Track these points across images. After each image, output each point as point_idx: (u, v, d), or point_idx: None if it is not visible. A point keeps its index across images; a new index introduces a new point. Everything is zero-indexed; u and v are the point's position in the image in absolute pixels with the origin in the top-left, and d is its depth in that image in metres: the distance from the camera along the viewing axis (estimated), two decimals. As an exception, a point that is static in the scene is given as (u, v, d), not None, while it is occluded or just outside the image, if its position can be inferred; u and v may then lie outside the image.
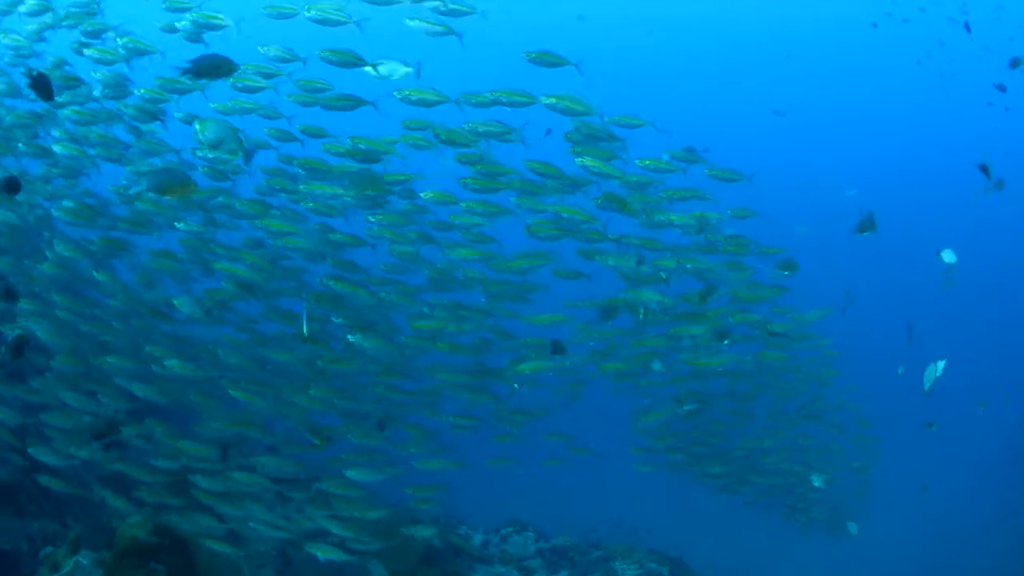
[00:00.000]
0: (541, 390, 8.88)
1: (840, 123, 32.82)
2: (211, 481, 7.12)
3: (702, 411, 9.75)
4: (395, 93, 6.55)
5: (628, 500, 15.86)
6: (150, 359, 7.37)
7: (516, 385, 8.31)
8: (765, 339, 8.95)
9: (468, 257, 7.74)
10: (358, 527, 7.53)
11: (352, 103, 6.89)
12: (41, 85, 6.34)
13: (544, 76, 6.86)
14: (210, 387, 7.68)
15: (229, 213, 7.75)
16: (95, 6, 7.11)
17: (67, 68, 7.23)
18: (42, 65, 7.24)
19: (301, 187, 7.43)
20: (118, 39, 6.94)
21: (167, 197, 6.91)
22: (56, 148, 7.40)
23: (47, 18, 7.16)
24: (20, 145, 7.43)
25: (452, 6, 6.50)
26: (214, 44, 6.58)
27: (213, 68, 5.94)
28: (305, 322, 5.86)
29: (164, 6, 6.73)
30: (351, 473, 7.43)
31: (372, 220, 7.57)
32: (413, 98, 6.64)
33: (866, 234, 7.82)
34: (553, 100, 6.68)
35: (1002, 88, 14.81)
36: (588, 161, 6.74)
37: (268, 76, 6.79)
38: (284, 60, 6.76)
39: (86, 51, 7.01)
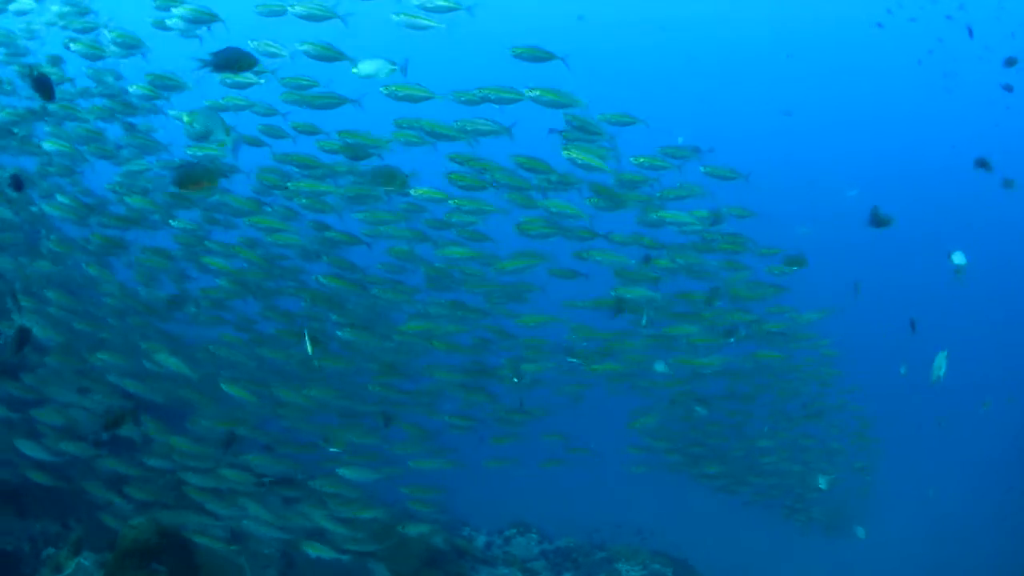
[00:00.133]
0: (542, 389, 8.85)
1: (841, 123, 32.80)
2: (204, 478, 7.10)
3: (701, 411, 9.71)
4: (382, 89, 6.51)
5: (630, 501, 15.83)
6: (144, 356, 7.35)
7: (515, 379, 8.28)
8: (763, 338, 8.92)
9: (463, 256, 7.70)
10: (353, 527, 7.50)
11: (335, 101, 6.87)
12: (42, 85, 6.36)
13: (544, 77, 6.83)
14: (206, 385, 7.66)
15: (225, 211, 7.74)
16: (87, 4, 7.12)
17: (62, 66, 7.23)
18: (33, 61, 7.25)
19: (290, 185, 7.40)
20: (108, 34, 6.92)
21: (192, 191, 6.87)
22: (46, 145, 7.38)
23: (40, 16, 7.16)
24: (14, 143, 7.42)
25: (439, 2, 6.48)
26: (202, 39, 6.57)
27: (233, 62, 5.95)
28: (308, 342, 5.81)
29: (154, 4, 6.71)
30: (345, 472, 7.39)
31: (360, 218, 7.54)
32: (400, 94, 6.60)
33: (882, 228, 7.70)
34: (537, 92, 6.64)
35: (1009, 88, 14.77)
36: (574, 153, 6.69)
37: (258, 72, 6.77)
38: (272, 55, 6.72)
39: (73, 46, 6.98)
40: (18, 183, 7.14)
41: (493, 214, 7.39)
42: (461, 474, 8.29)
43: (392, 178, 6.97)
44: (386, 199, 7.51)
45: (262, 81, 6.73)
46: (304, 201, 7.47)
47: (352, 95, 6.83)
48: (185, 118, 5.85)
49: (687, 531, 14.14)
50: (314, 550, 7.10)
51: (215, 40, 6.84)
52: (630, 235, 7.67)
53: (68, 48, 7.08)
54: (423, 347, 8.27)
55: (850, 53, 29.01)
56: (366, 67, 6.30)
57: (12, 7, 7.10)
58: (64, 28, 7.11)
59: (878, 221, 7.64)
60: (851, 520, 14.01)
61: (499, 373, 8.36)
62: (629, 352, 8.53)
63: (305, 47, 6.50)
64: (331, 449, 7.38)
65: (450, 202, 7.25)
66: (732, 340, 8.42)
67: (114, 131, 7.65)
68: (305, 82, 6.86)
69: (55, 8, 7.11)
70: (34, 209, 8.15)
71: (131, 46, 6.92)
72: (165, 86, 6.93)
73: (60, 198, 7.56)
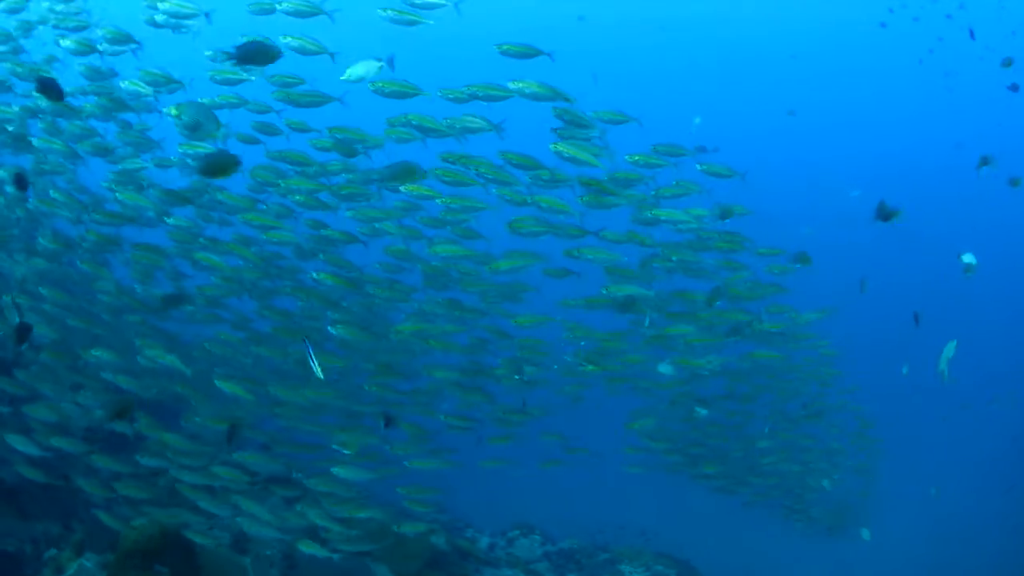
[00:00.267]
0: (541, 389, 8.83)
1: (843, 123, 32.75)
2: (197, 476, 7.09)
3: (703, 412, 9.68)
4: (369, 85, 6.48)
5: (634, 502, 15.80)
6: (138, 352, 7.34)
7: (516, 376, 8.26)
8: (761, 338, 8.89)
9: (455, 254, 7.67)
10: (349, 526, 7.48)
11: (320, 99, 6.85)
12: (49, 87, 6.39)
13: (544, 77, 6.80)
14: (200, 382, 7.65)
15: (220, 209, 7.74)
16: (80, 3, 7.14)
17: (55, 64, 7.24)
18: (30, 60, 7.26)
19: (282, 182, 7.39)
20: (98, 31, 6.93)
21: (219, 178, 6.87)
22: (37, 143, 7.38)
23: (31, 15, 7.17)
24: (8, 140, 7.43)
25: None
26: (189, 34, 6.58)
27: (257, 54, 5.97)
28: (315, 364, 5.79)
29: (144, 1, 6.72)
30: (340, 471, 7.37)
31: (350, 215, 7.52)
32: (387, 91, 6.58)
33: (890, 220, 7.65)
34: (521, 85, 6.61)
35: (1015, 88, 14.73)
36: (561, 147, 6.65)
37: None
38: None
39: (63, 42, 6.99)
40: (21, 181, 7.14)
41: (488, 213, 7.36)
42: (462, 475, 8.27)
43: (410, 173, 6.92)
44: (378, 196, 7.49)
45: (252, 78, 6.72)
46: (299, 198, 7.46)
47: (337, 92, 6.82)
48: (173, 111, 5.85)
49: (690, 532, 14.11)
50: (307, 547, 7.09)
51: (213, 39, 6.87)
52: (624, 233, 7.64)
53: (59, 45, 7.10)
54: (420, 347, 8.25)
55: (852, 53, 28.98)
56: (356, 70, 6.28)
57: (4, 5, 7.10)
58: (56, 27, 7.12)
59: (885, 214, 7.61)
60: (853, 521, 13.97)
61: (496, 373, 8.33)
62: (629, 352, 8.50)
63: (287, 40, 6.48)
64: (345, 451, 7.34)
65: (437, 201, 7.21)
66: (736, 339, 8.39)
67: (110, 129, 7.66)
68: (292, 80, 6.85)
69: (45, 4, 7.12)
70: (30, 206, 8.15)
71: (123, 42, 6.92)
72: (157, 83, 6.91)
73: (54, 195, 7.57)
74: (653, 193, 7.44)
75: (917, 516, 16.20)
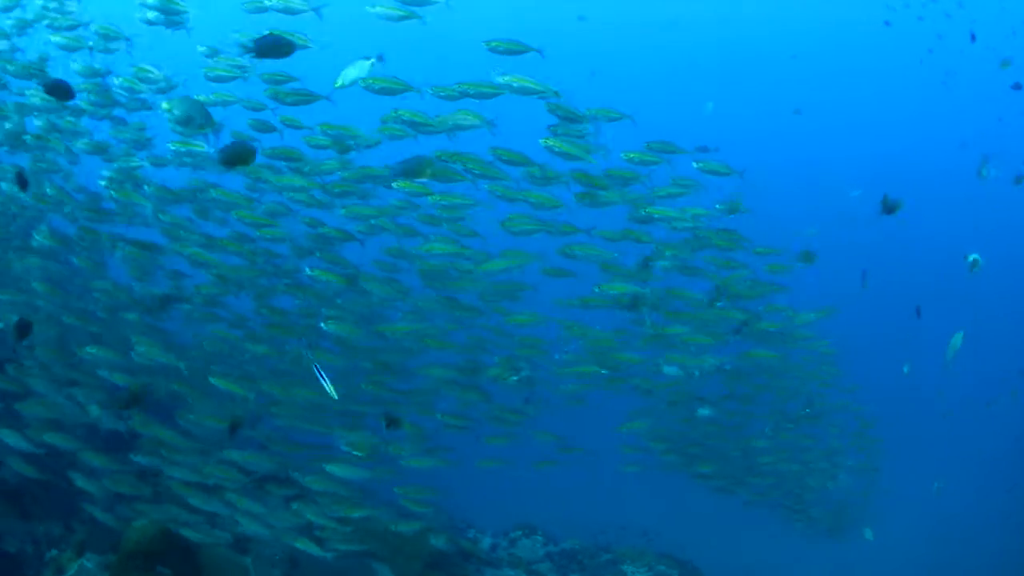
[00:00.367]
0: (541, 389, 8.80)
1: (844, 123, 32.71)
2: (190, 473, 7.07)
3: (704, 412, 9.65)
4: (360, 82, 6.46)
5: (635, 502, 15.79)
6: (132, 349, 7.33)
7: (514, 377, 8.24)
8: (760, 338, 8.86)
9: (448, 252, 7.64)
10: (345, 525, 7.45)
11: (308, 97, 6.84)
12: (58, 89, 6.39)
13: (544, 77, 6.78)
14: (196, 379, 7.63)
15: (216, 206, 7.72)
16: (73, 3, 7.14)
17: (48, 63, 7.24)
18: (27, 59, 7.26)
19: (273, 179, 7.38)
20: (91, 27, 6.93)
21: (237, 169, 6.90)
22: (31, 141, 7.39)
23: (25, 13, 7.18)
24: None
25: None
26: (181, 31, 6.58)
27: (275, 48, 5.98)
28: (326, 382, 5.77)
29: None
30: (334, 469, 7.34)
31: (344, 213, 7.50)
32: (376, 87, 6.55)
33: (893, 213, 7.68)
34: (509, 79, 6.58)
35: (1019, 87, 14.71)
36: (552, 142, 6.63)
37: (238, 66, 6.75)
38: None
39: (54, 38, 6.99)
40: (22, 180, 7.15)
41: (483, 210, 7.34)
42: (463, 475, 8.24)
43: (424, 168, 6.90)
44: (374, 194, 7.46)
45: (245, 76, 6.71)
46: (293, 195, 7.44)
47: (323, 90, 6.79)
48: (165, 105, 5.86)
49: (692, 533, 14.09)
50: (303, 545, 7.07)
51: (209, 36, 6.86)
52: (619, 231, 7.61)
53: (49, 41, 7.10)
54: (417, 345, 8.23)
55: (852, 53, 28.95)
56: (349, 73, 6.25)
57: None
58: (49, 26, 7.12)
59: (889, 207, 7.64)
60: (854, 522, 13.93)
61: (493, 372, 8.30)
62: (629, 352, 8.48)
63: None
64: (355, 453, 7.32)
65: (429, 198, 7.18)
66: (738, 336, 8.37)
67: (105, 127, 7.66)
68: (282, 77, 6.83)
69: (39, 1, 7.12)
70: (26, 204, 8.15)
71: (114, 39, 6.91)
72: (150, 80, 6.91)
73: (49, 192, 7.56)
74: (651, 191, 7.42)
75: (918, 516, 16.16)
